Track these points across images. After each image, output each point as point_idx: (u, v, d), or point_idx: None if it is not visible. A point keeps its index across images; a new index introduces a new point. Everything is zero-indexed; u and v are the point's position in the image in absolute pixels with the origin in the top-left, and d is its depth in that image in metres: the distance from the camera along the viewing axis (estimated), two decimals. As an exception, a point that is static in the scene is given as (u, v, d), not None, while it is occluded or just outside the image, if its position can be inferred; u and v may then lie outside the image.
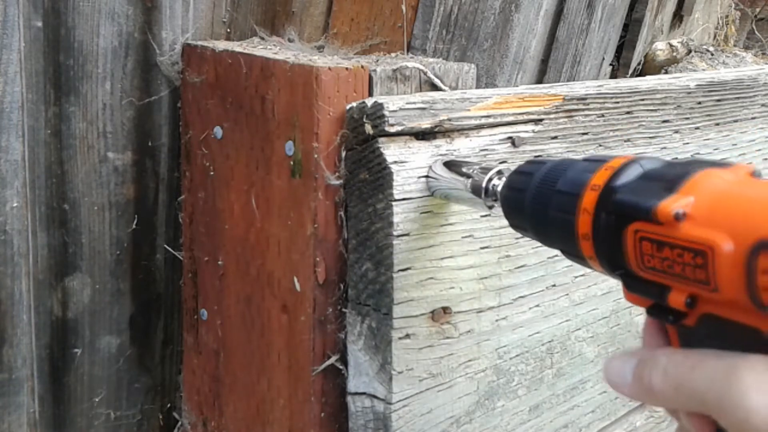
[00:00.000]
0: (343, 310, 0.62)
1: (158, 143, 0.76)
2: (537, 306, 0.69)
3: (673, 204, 0.34)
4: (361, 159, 0.58)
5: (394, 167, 0.56)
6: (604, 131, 0.70)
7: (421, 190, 0.57)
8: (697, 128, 0.81)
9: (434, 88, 0.66)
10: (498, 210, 0.51)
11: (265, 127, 0.64)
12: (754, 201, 0.33)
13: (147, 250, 0.78)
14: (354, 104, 0.59)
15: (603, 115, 0.70)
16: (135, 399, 0.81)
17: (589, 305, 0.74)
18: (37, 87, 0.68)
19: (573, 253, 0.42)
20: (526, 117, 0.64)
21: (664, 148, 0.77)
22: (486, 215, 0.61)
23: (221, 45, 0.71)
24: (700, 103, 0.80)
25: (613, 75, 1.43)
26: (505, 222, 0.49)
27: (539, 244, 0.46)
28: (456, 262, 0.61)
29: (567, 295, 0.72)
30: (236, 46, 0.71)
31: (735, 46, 1.93)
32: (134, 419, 0.82)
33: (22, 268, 0.71)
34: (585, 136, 0.69)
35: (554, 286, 0.70)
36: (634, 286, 0.38)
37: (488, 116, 0.61)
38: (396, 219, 0.56)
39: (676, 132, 0.78)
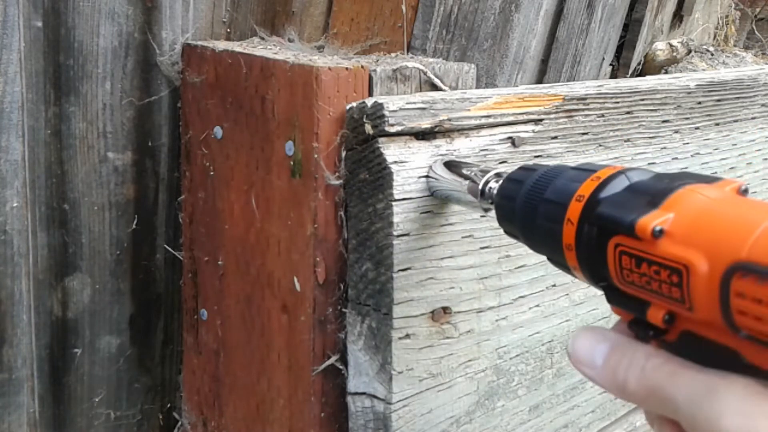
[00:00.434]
0: (343, 310, 0.62)
1: (158, 143, 0.76)
2: (537, 306, 0.69)
3: (652, 220, 0.34)
4: (361, 159, 0.58)
5: (394, 167, 0.56)
6: (604, 131, 0.70)
7: (421, 190, 0.57)
8: (697, 128, 0.81)
9: (434, 88, 0.66)
10: (495, 212, 0.51)
11: (265, 127, 0.64)
12: (732, 221, 0.32)
13: (147, 250, 0.78)
14: (354, 104, 0.59)
15: (603, 115, 0.70)
16: (135, 399, 0.81)
17: (589, 305, 0.74)
18: (37, 87, 0.68)
19: (559, 261, 0.42)
20: (526, 117, 0.64)
21: (664, 148, 0.77)
22: (485, 216, 0.61)
23: (221, 45, 0.71)
24: (700, 103, 0.80)
25: (613, 75, 1.43)
26: (505, 222, 0.50)
27: None
28: (456, 262, 0.61)
29: (567, 295, 0.72)
30: (236, 46, 0.71)
31: (735, 46, 1.93)
32: (134, 419, 0.82)
33: (22, 268, 0.71)
34: (585, 136, 0.69)
35: (554, 286, 0.70)
36: (616, 299, 0.38)
37: (488, 116, 0.61)
38: (396, 219, 0.56)
39: (676, 132, 0.78)
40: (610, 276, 0.37)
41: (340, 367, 0.63)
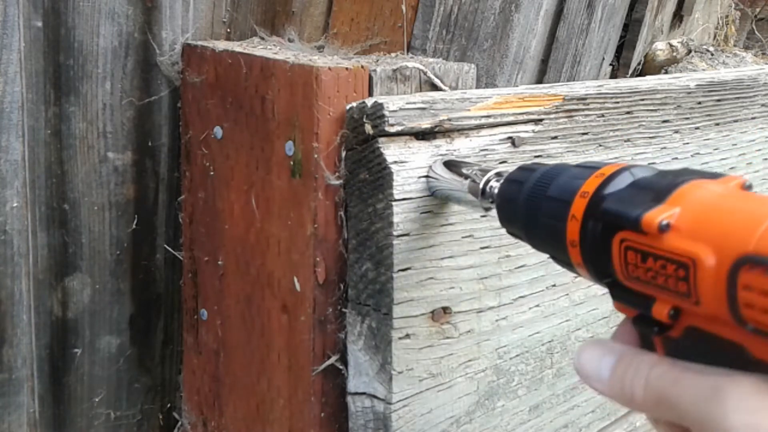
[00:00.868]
0: (343, 310, 0.62)
1: (158, 143, 0.76)
2: (537, 306, 0.69)
3: (658, 214, 0.34)
4: (361, 159, 0.58)
5: (394, 167, 0.56)
6: (604, 131, 0.70)
7: (421, 190, 0.57)
8: (697, 128, 0.81)
9: (434, 88, 0.66)
10: (495, 211, 0.51)
11: (265, 127, 0.64)
12: (739, 214, 0.32)
13: (147, 250, 0.78)
14: (354, 104, 0.59)
15: (603, 115, 0.70)
16: (135, 399, 0.81)
17: (589, 305, 0.74)
18: (37, 87, 0.68)
19: (562, 259, 0.42)
20: (526, 117, 0.64)
21: (664, 148, 0.77)
22: (486, 215, 0.61)
23: (221, 45, 0.71)
24: (700, 103, 0.80)
25: (613, 75, 1.43)
26: (505, 222, 0.49)
27: None
28: (456, 262, 0.61)
29: (567, 295, 0.72)
30: (236, 46, 0.71)
31: (735, 46, 1.93)
32: (134, 419, 0.82)
33: (22, 268, 0.71)
34: (585, 136, 0.69)
35: (554, 286, 0.70)
36: (620, 296, 0.38)
37: (488, 116, 0.61)
38: (396, 219, 0.56)
39: (676, 132, 0.78)
40: (615, 272, 0.37)
41: (340, 367, 0.63)
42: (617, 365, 0.37)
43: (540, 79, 1.21)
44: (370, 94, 0.62)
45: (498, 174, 0.52)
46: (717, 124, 0.84)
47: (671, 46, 1.54)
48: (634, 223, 0.35)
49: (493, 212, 0.52)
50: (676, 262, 0.33)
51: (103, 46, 0.70)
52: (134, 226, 0.77)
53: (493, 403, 0.67)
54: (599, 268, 0.39)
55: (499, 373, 0.67)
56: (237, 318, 0.71)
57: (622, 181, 0.39)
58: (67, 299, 0.74)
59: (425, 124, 0.58)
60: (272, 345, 0.67)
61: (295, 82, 0.60)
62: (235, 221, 0.69)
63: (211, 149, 0.71)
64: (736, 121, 0.86)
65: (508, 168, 0.51)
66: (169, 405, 0.84)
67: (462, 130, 0.60)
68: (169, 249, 0.79)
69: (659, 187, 0.36)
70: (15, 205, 0.69)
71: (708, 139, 0.82)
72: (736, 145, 0.87)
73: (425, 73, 0.65)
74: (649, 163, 0.75)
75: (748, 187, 0.36)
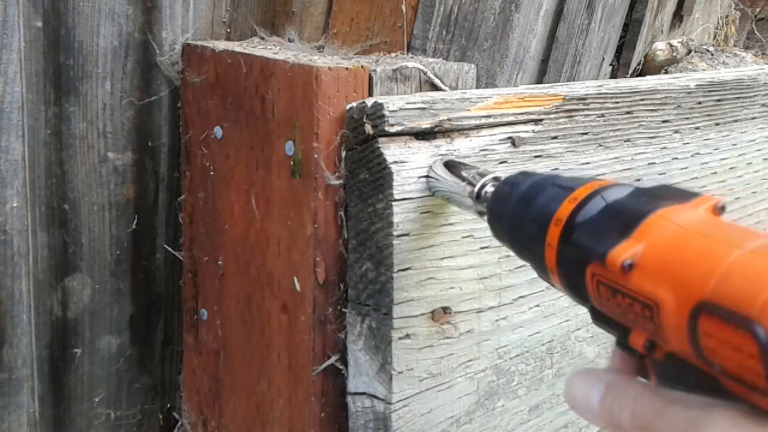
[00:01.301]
0: (343, 310, 0.62)
1: (158, 143, 0.76)
2: (537, 306, 0.69)
3: (622, 253, 0.34)
4: (361, 159, 0.58)
5: (394, 167, 0.56)
6: (604, 131, 0.70)
7: (421, 190, 0.57)
8: (697, 128, 0.81)
9: (434, 88, 0.66)
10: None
11: (265, 127, 0.64)
12: (699, 256, 0.32)
13: (147, 250, 0.78)
14: (354, 104, 0.59)
15: (603, 115, 0.70)
16: (135, 399, 0.81)
17: (589, 305, 0.74)
18: (37, 87, 0.68)
19: (548, 281, 0.42)
20: (526, 117, 0.64)
21: (664, 148, 0.77)
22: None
23: (221, 45, 0.71)
24: (700, 103, 0.80)
25: (613, 75, 1.43)
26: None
27: None
28: (456, 262, 0.61)
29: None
30: (236, 46, 0.71)
31: (735, 46, 1.93)
32: (134, 419, 0.82)
33: (22, 268, 0.71)
34: (585, 136, 0.69)
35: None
36: (601, 322, 0.38)
37: (488, 116, 0.61)
38: (396, 219, 0.56)
39: (676, 132, 0.78)
40: (592, 300, 0.37)
41: (340, 367, 0.63)
42: (604, 395, 0.37)
43: (540, 79, 1.21)
44: (370, 94, 0.62)
45: (495, 179, 0.51)
46: (717, 124, 0.84)
47: (671, 46, 1.54)
48: (600, 258, 0.35)
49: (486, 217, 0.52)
50: (641, 302, 0.33)
51: (103, 46, 0.70)
52: (134, 226, 0.77)
53: (493, 403, 0.67)
54: (579, 294, 0.39)
55: (499, 373, 0.67)
56: (237, 318, 0.71)
57: (594, 207, 0.38)
58: (67, 299, 0.74)
59: (425, 124, 0.58)
60: (272, 345, 0.67)
61: (295, 82, 0.60)
62: (235, 221, 0.69)
63: (211, 149, 0.71)
64: (736, 121, 0.86)
65: (504, 173, 0.51)
66: (169, 405, 0.84)
67: (462, 130, 0.60)
68: (169, 249, 0.79)
69: (629, 215, 0.36)
70: (15, 205, 0.69)
71: (708, 139, 0.82)
72: (736, 145, 0.87)
73: (425, 73, 0.65)
74: (648, 164, 0.75)
75: (720, 209, 0.36)
